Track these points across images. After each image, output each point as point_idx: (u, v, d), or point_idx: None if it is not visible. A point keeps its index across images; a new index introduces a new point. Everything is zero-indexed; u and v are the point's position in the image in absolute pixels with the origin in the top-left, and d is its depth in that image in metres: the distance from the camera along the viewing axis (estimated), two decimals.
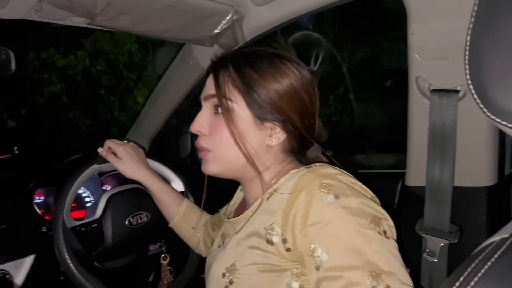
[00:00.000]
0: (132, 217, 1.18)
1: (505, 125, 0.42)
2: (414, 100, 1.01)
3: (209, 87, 0.80)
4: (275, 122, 0.76)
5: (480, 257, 0.43)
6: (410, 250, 1.00)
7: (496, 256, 0.41)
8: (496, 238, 0.44)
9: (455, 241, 0.98)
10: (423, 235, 1.02)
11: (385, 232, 0.64)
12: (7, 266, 1.09)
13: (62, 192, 1.05)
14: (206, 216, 1.13)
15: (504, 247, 0.42)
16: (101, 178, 1.45)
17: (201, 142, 0.81)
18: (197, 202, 1.19)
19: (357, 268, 0.60)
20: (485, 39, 0.45)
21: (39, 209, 1.28)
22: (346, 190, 0.66)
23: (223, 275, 0.74)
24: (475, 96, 0.48)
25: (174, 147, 1.76)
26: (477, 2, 0.45)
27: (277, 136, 0.77)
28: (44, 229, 1.17)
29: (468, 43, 0.50)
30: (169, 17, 1.04)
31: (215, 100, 0.78)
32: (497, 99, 0.42)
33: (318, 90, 0.81)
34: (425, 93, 0.99)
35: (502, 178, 1.04)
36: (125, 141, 1.14)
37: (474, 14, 0.48)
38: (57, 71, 5.40)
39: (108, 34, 5.40)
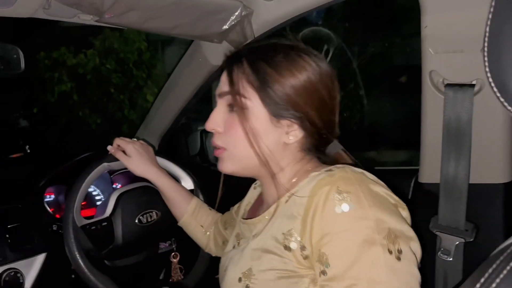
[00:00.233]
0: (142, 215, 1.18)
1: None
2: (428, 95, 0.98)
3: (224, 84, 0.77)
4: (292, 119, 0.73)
5: (501, 258, 0.41)
6: (424, 248, 0.98)
7: None
8: None
9: (471, 240, 0.96)
10: (437, 233, 0.99)
11: (399, 251, 0.61)
12: (18, 265, 1.10)
13: (71, 191, 1.05)
14: (216, 215, 1.12)
15: None
16: (111, 176, 1.46)
17: (216, 140, 0.79)
18: (207, 200, 1.18)
19: (356, 283, 0.59)
20: (506, 30, 0.43)
21: (50, 208, 1.28)
22: (363, 199, 0.63)
23: (239, 279, 0.73)
24: (495, 89, 0.46)
25: (184, 145, 1.75)
26: None
27: (294, 133, 0.74)
28: (54, 227, 1.18)
29: (487, 34, 0.48)
30: (177, 14, 1.03)
31: (229, 97, 0.75)
32: None
33: (338, 83, 0.77)
34: (439, 87, 0.97)
35: None
36: (135, 139, 1.14)
37: (493, 4, 0.46)
38: (68, 70, 5.44)
39: (118, 33, 5.43)
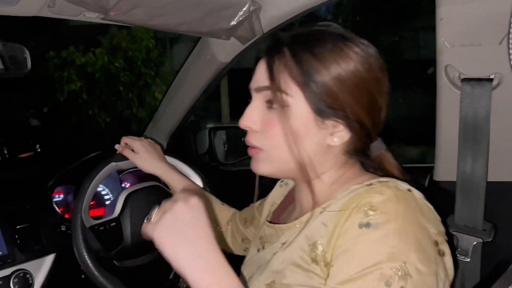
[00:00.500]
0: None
1: None
2: (444, 90, 0.95)
3: (261, 77, 0.69)
4: (338, 119, 0.66)
5: None
6: None
7: None
8: None
9: (489, 240, 0.92)
10: (454, 233, 0.96)
11: None
12: (27, 266, 1.09)
13: (79, 192, 1.04)
14: (230, 210, 1.09)
15: None
16: (120, 175, 1.45)
17: (252, 140, 0.72)
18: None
19: None
20: None
21: (59, 208, 1.27)
22: (391, 223, 0.57)
23: None
24: None
25: (192, 144, 1.74)
26: None
27: (340, 135, 0.67)
28: (63, 228, 1.17)
29: (511, 25, 0.45)
30: (184, 10, 1.01)
31: (269, 93, 0.68)
32: None
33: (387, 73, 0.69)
34: (455, 82, 0.93)
35: None
36: (142, 137, 1.14)
37: None
38: (77, 69, 5.48)
39: (125, 31, 5.44)
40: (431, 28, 0.93)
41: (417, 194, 0.63)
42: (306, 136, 0.66)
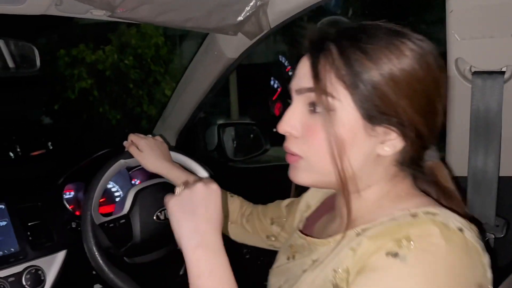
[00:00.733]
0: (160, 212, 1.17)
1: None
2: (454, 83, 0.93)
3: (304, 77, 0.62)
4: (390, 126, 0.58)
5: None
6: None
7: None
8: None
9: (502, 235, 0.91)
10: None
11: None
12: (39, 262, 1.10)
13: (88, 189, 1.05)
14: (241, 202, 1.08)
15: None
16: (130, 172, 1.45)
17: (291, 146, 0.65)
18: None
19: None
20: None
21: (70, 205, 1.28)
22: (421, 263, 0.51)
23: None
24: None
25: (201, 140, 1.74)
26: None
27: (392, 143, 0.59)
28: (73, 225, 1.18)
29: None
30: (190, 6, 1.01)
31: (312, 95, 0.61)
32: None
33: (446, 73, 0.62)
34: (466, 76, 0.92)
35: None
36: (150, 135, 1.15)
37: None
38: (87, 67, 5.53)
39: (135, 28, 5.47)
40: (442, 21, 0.91)
41: (469, 234, 0.54)
42: (353, 145, 0.59)
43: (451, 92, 0.95)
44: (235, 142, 1.76)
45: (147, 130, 1.66)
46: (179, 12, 1.02)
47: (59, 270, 1.14)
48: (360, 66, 0.57)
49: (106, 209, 1.35)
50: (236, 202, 1.08)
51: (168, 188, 1.21)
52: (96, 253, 1.00)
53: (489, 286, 0.55)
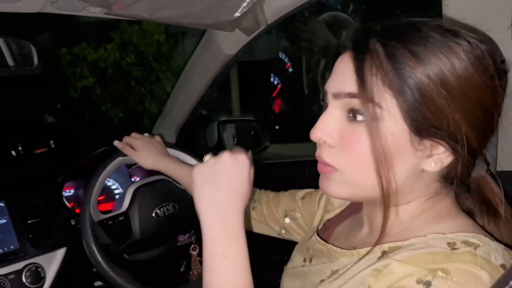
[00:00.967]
0: (159, 209, 1.17)
1: None
2: None
3: (345, 80, 0.55)
4: (439, 140, 0.52)
5: None
6: None
7: None
8: None
9: None
10: None
11: None
12: (39, 259, 1.11)
13: (87, 186, 1.05)
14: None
15: None
16: (129, 169, 1.46)
17: (324, 156, 0.58)
18: None
19: None
20: None
21: (69, 202, 1.29)
22: None
23: None
24: None
25: (201, 138, 1.74)
26: None
27: (439, 158, 0.54)
28: (73, 222, 1.18)
29: None
30: (187, 2, 1.00)
31: (354, 102, 0.54)
32: None
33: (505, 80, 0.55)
34: None
35: None
36: (146, 133, 1.15)
37: None
38: (89, 65, 5.53)
39: (136, 26, 5.46)
40: (440, 16, 0.90)
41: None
42: (398, 159, 0.53)
43: None
44: (235, 139, 1.76)
45: (149, 128, 1.66)
46: (176, 8, 1.02)
47: (59, 267, 1.14)
48: (409, 70, 0.50)
49: (106, 206, 1.35)
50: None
51: (167, 185, 1.21)
52: (95, 250, 1.01)
53: None
